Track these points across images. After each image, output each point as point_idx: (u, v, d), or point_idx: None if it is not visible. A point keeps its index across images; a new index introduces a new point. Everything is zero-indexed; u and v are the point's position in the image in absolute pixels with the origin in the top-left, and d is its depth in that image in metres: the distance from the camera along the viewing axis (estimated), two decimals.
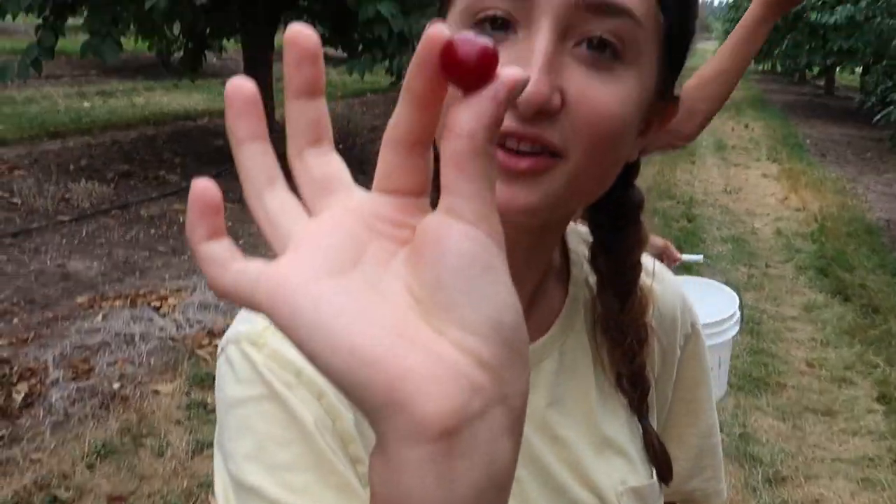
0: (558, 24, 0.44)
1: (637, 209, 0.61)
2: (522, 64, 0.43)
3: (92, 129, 7.87)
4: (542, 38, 0.43)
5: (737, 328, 2.07)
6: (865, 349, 3.86)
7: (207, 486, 2.47)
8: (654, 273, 0.66)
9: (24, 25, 11.48)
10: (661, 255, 1.99)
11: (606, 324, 0.61)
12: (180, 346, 3.49)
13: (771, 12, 1.30)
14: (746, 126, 12.97)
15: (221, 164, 6.85)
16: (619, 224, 0.60)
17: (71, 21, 6.01)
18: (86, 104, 9.81)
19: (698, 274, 4.20)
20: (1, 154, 6.34)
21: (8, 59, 5.77)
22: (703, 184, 8.10)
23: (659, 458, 0.63)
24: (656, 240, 2.01)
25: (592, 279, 0.63)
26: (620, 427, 0.62)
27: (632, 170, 0.59)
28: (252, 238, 5.17)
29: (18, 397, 2.92)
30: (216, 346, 3.60)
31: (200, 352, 3.43)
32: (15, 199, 5.21)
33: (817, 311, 4.41)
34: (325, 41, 7.57)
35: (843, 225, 6.31)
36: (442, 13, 0.51)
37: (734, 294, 2.15)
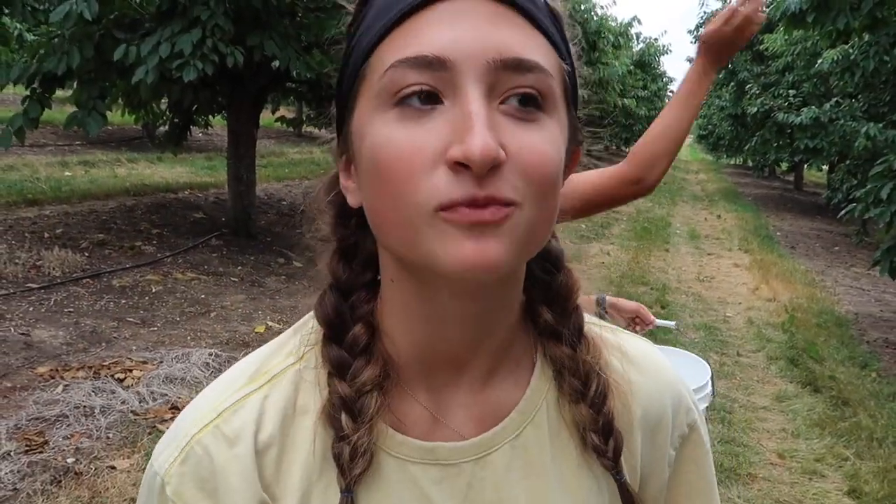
0: (483, 86, 0.45)
1: (560, 257, 0.60)
2: (459, 128, 0.44)
3: (71, 197, 7.87)
4: (474, 100, 0.45)
5: (708, 401, 2.04)
6: (835, 441, 3.85)
7: None
8: (631, 360, 0.62)
9: (13, 95, 11.64)
10: (634, 319, 1.96)
11: (564, 378, 0.59)
12: (141, 421, 3.39)
13: (712, 65, 1.37)
14: (719, 217, 13.32)
15: (198, 237, 6.86)
16: (549, 271, 0.59)
17: (59, 92, 6.11)
18: (67, 173, 9.84)
19: (673, 342, 4.22)
20: None
21: None
22: (677, 271, 8.23)
23: None
24: (628, 303, 1.98)
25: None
26: None
27: None
28: (223, 311, 5.13)
29: None
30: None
31: (162, 427, 3.33)
32: None
33: (788, 402, 4.41)
34: (311, 121, 7.75)
35: (812, 316, 6.41)
36: (348, 108, 0.51)
37: (706, 364, 2.11)
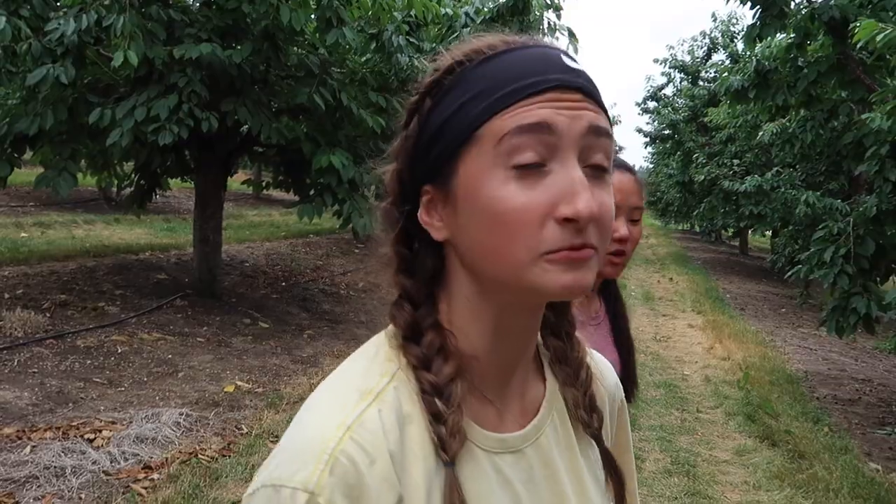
0: (577, 151, 0.61)
1: None
2: (567, 191, 0.59)
3: (29, 258, 7.75)
4: (574, 167, 0.60)
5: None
6: (795, 492, 4.01)
7: None
8: (593, 356, 0.82)
9: None
10: None
11: (560, 367, 0.76)
12: (114, 481, 3.34)
13: None
14: (671, 279, 13.75)
15: (162, 298, 6.80)
16: None
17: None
18: (23, 234, 9.68)
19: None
20: None
21: None
22: (635, 332, 8.30)
23: (616, 476, 0.76)
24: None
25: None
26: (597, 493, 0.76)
27: None
28: (191, 371, 5.09)
29: None
30: (153, 481, 3.47)
31: (135, 486, 3.29)
32: None
33: (748, 455, 4.57)
34: (276, 184, 7.87)
35: (766, 374, 6.66)
36: (448, 161, 0.63)
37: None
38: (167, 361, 5.18)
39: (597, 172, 0.62)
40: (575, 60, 0.64)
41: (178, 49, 5.29)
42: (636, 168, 1.56)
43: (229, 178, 7.92)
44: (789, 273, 6.44)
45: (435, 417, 0.63)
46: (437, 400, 0.63)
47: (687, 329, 8.94)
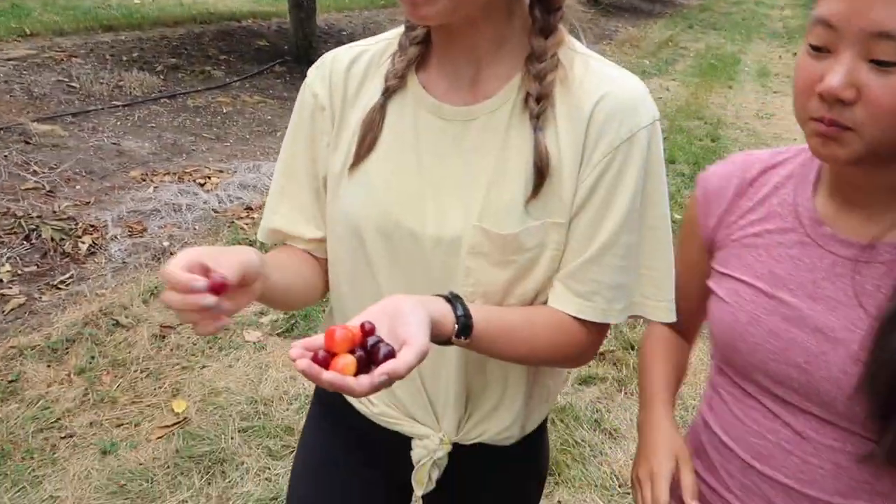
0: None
1: None
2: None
3: (142, 24, 8.17)
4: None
5: None
6: None
7: (236, 322, 2.91)
8: (590, 70, 0.83)
9: None
10: None
11: (532, 63, 0.82)
12: (221, 218, 3.90)
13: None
14: (795, 55, 12.67)
15: (262, 64, 7.14)
16: None
17: None
18: (136, 1, 10.08)
19: None
20: (59, 42, 6.70)
21: None
22: (736, 108, 8.12)
23: (538, 168, 0.80)
24: None
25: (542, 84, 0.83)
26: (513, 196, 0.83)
27: None
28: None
29: (83, 247, 3.36)
30: (252, 219, 4.01)
31: (238, 222, 3.83)
32: (74, 84, 5.60)
33: None
34: None
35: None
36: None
37: None
38: (267, 122, 5.61)
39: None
40: None
41: None
42: None
43: None
44: None
45: (392, 61, 0.88)
46: (398, 52, 0.88)
47: None
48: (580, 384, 2.70)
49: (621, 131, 0.80)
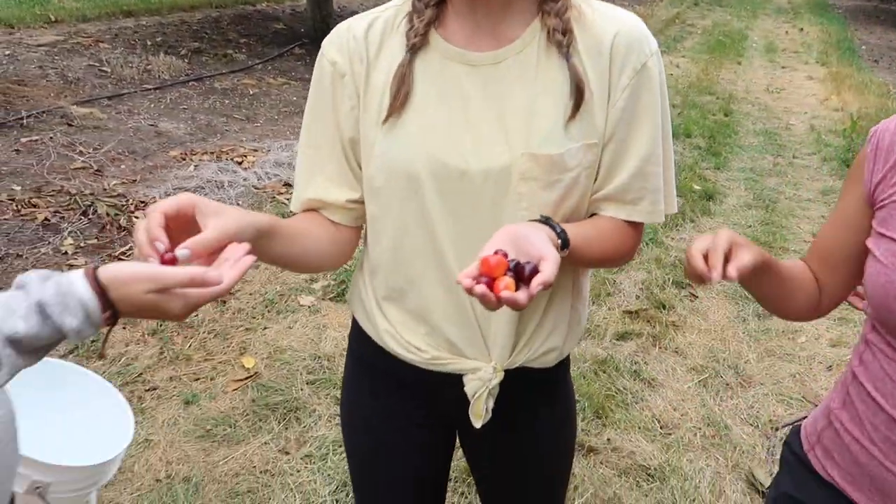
0: None
1: None
2: None
3: (161, 9, 8.30)
4: None
5: None
6: None
7: (293, 288, 3.08)
8: (595, 8, 0.94)
9: None
10: None
11: (549, 5, 0.91)
12: (262, 193, 4.07)
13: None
14: (801, 30, 12.72)
15: (282, 46, 7.27)
16: None
17: None
18: None
19: None
20: (84, 28, 6.85)
21: None
22: (746, 83, 8.24)
23: (578, 91, 0.90)
24: None
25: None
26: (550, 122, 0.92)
27: None
28: None
29: (136, 221, 3.54)
30: (292, 195, 4.17)
31: (279, 197, 4.00)
32: (105, 68, 5.76)
33: (833, 195, 4.75)
34: None
35: (876, 124, 6.49)
36: None
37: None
38: (293, 103, 5.76)
39: None
40: None
41: None
42: None
43: None
44: None
45: (409, 21, 0.95)
46: (416, 14, 0.95)
47: (805, 81, 8.57)
48: (618, 339, 2.89)
49: (640, 58, 0.93)
